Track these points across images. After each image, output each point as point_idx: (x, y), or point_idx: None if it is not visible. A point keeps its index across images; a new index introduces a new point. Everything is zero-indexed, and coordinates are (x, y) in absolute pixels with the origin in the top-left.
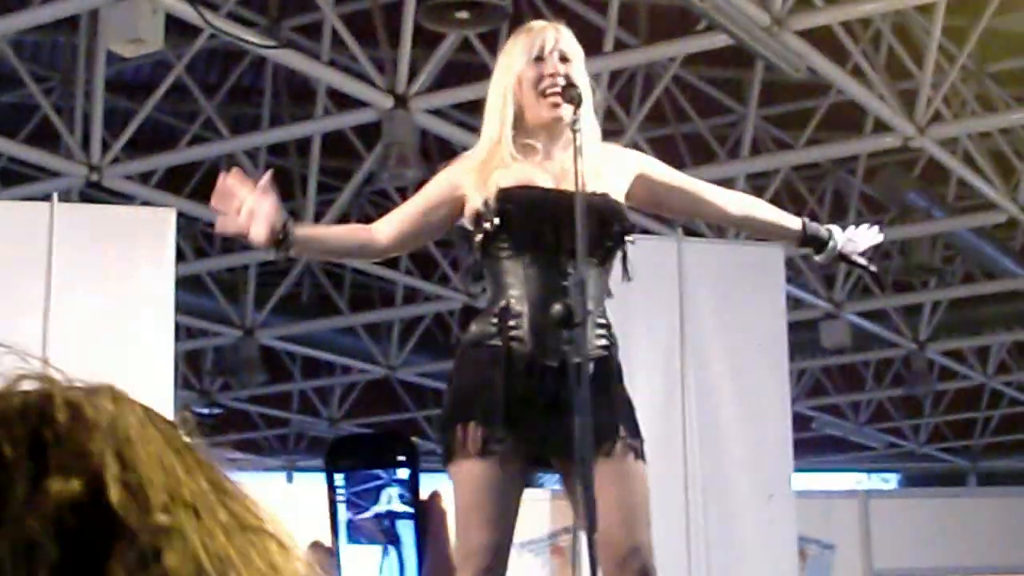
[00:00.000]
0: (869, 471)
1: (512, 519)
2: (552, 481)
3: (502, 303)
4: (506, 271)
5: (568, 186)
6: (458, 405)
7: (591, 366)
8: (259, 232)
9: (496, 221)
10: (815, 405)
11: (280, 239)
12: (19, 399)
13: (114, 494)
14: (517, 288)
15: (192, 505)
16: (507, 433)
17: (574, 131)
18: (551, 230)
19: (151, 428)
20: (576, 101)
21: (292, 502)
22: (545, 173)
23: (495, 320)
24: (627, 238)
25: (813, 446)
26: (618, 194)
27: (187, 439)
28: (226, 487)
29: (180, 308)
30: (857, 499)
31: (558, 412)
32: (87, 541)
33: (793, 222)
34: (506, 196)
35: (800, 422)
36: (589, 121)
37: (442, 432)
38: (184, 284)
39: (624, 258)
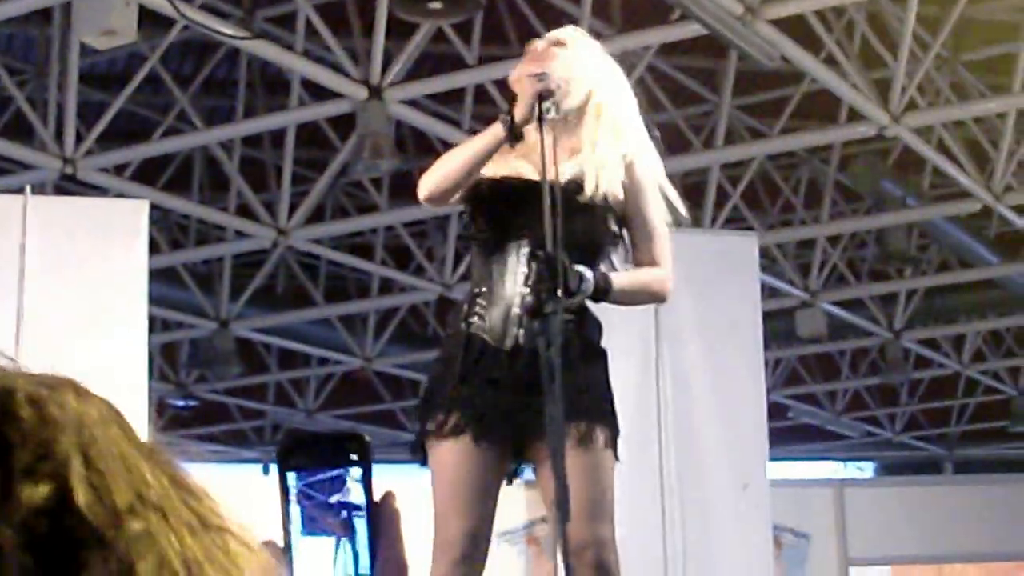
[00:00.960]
0: (845, 460)
1: (489, 507)
2: (527, 472)
3: (472, 291)
4: (478, 260)
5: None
6: (429, 393)
7: (567, 352)
8: None
9: (466, 214)
10: (791, 394)
11: None
12: None
13: (81, 496)
14: (485, 276)
15: (159, 507)
16: (476, 419)
17: (540, 122)
18: (518, 220)
19: (113, 426)
20: (547, 95)
21: (268, 493)
22: (531, 164)
23: (464, 308)
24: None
25: (789, 435)
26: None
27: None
28: (187, 484)
29: (155, 300)
30: (832, 488)
31: (524, 395)
32: (58, 548)
33: None
34: (475, 188)
35: (776, 411)
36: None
37: (418, 421)
38: (159, 276)
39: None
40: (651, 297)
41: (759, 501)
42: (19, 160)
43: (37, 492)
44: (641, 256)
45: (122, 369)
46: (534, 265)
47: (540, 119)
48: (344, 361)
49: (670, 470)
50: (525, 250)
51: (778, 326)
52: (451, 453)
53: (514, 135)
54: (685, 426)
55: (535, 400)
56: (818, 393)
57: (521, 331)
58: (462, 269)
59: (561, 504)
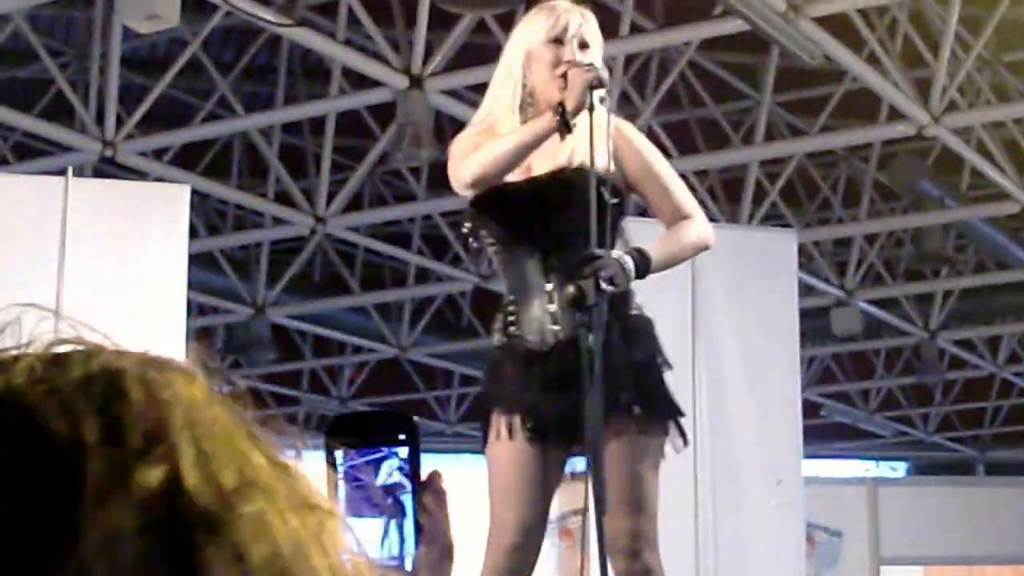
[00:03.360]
0: (877, 459)
1: (544, 500)
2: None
3: (507, 298)
4: (505, 262)
5: (571, 164)
6: (485, 396)
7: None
8: None
9: (483, 212)
10: (825, 392)
11: None
12: (79, 369)
13: (191, 479)
14: (516, 279)
15: (264, 488)
16: (531, 420)
17: (592, 112)
18: (532, 222)
19: (217, 407)
20: (598, 84)
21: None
22: (546, 154)
23: (500, 317)
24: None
25: (822, 433)
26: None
27: (248, 415)
28: (286, 465)
29: (192, 285)
30: (866, 487)
31: (568, 392)
32: (174, 532)
33: None
34: (560, 175)
35: (809, 409)
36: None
37: (479, 419)
38: (196, 261)
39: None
40: (694, 250)
41: (792, 498)
42: (60, 142)
43: (152, 475)
44: (665, 211)
45: (160, 353)
46: (575, 259)
47: (591, 109)
48: (379, 349)
49: (704, 465)
50: (551, 245)
51: (813, 324)
52: (507, 451)
53: (568, 127)
54: (720, 422)
55: (577, 396)
56: (851, 392)
57: (558, 327)
58: None
59: (598, 497)
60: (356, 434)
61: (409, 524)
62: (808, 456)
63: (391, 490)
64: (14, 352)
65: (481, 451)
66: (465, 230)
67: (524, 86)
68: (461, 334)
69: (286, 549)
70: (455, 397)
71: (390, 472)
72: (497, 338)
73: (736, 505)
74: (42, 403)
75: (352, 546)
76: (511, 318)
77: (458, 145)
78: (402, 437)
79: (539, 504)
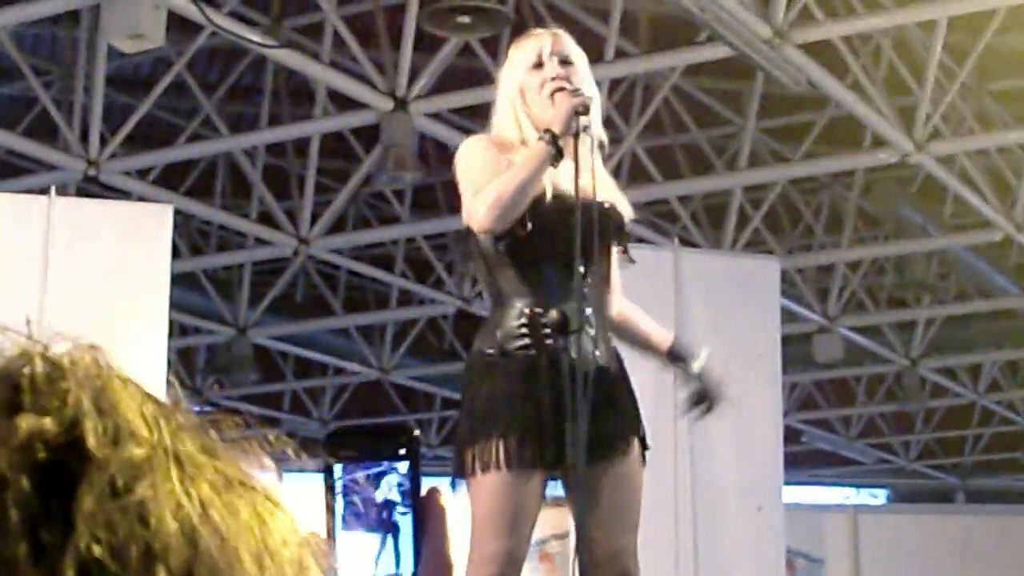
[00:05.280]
0: (858, 486)
1: (530, 530)
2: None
3: (525, 310)
4: (525, 277)
5: (575, 196)
6: (487, 417)
7: (604, 369)
8: None
9: (529, 227)
10: (806, 419)
11: None
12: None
13: (91, 438)
14: (538, 295)
15: (174, 453)
16: (535, 445)
17: (577, 138)
18: (568, 239)
19: (132, 385)
20: (583, 110)
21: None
22: (554, 180)
23: (524, 328)
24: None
25: (803, 460)
26: (621, 205)
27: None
28: (215, 450)
29: (174, 305)
30: (847, 514)
31: (581, 419)
32: (58, 476)
33: (664, 339)
34: (537, 203)
35: (790, 435)
36: (595, 127)
37: (465, 444)
38: (178, 281)
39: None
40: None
41: (773, 524)
42: (43, 161)
43: (39, 423)
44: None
45: (141, 372)
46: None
47: (576, 135)
48: (361, 371)
49: (685, 491)
50: (571, 270)
51: (795, 351)
52: (502, 479)
53: (559, 152)
54: (701, 447)
55: (591, 423)
56: (833, 418)
57: (599, 352)
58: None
59: (580, 521)
60: (355, 447)
61: (407, 541)
62: (789, 482)
63: (390, 506)
64: None
65: (458, 475)
66: (519, 231)
67: (526, 118)
68: (443, 357)
69: (185, 502)
70: (436, 420)
71: (389, 488)
72: (519, 347)
73: (717, 531)
74: None
75: (301, 535)
76: (547, 331)
77: (469, 156)
78: (402, 452)
79: (527, 536)
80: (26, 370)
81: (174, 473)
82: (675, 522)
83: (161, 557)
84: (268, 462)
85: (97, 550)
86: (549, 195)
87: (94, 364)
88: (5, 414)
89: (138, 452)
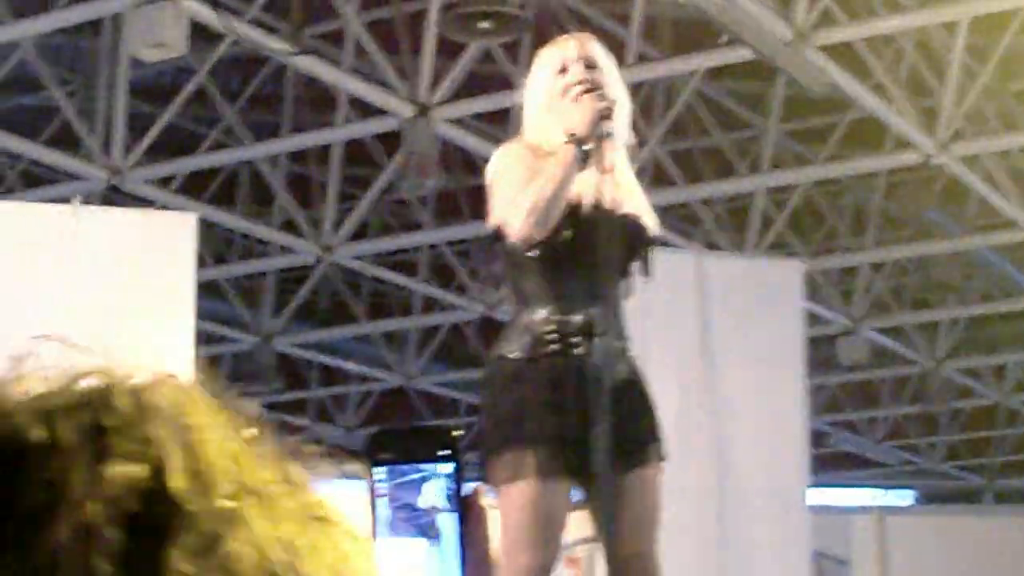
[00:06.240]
0: (884, 488)
1: (560, 539)
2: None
3: (551, 315)
4: (552, 282)
5: (604, 201)
6: (515, 425)
7: (626, 376)
8: None
9: (568, 234)
10: (831, 421)
11: None
12: (79, 391)
13: (176, 481)
14: (563, 301)
15: (258, 492)
16: (563, 453)
17: (602, 143)
18: (594, 247)
19: (217, 416)
20: (607, 114)
21: None
22: (584, 186)
23: (551, 334)
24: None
25: (828, 462)
26: (646, 216)
27: (255, 432)
28: (295, 480)
29: (198, 313)
30: (873, 516)
31: (605, 426)
32: (148, 526)
33: None
34: (575, 211)
35: (816, 438)
36: (622, 132)
37: (493, 453)
38: (202, 290)
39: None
40: None
41: (799, 527)
42: (66, 170)
43: (129, 471)
44: None
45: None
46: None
47: (601, 139)
48: (385, 378)
49: (711, 494)
50: (599, 278)
51: (820, 353)
52: (533, 489)
53: (585, 155)
54: (727, 450)
55: (616, 430)
56: (858, 420)
57: (616, 362)
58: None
59: (607, 526)
60: (397, 450)
61: (452, 544)
62: (814, 485)
63: (433, 510)
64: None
65: (487, 483)
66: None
67: (553, 124)
68: (467, 363)
69: (270, 550)
70: (461, 426)
71: (432, 491)
72: (547, 353)
73: (743, 534)
74: (25, 416)
75: (376, 569)
76: (576, 338)
77: (503, 163)
78: (444, 452)
79: (557, 543)
80: (110, 407)
81: (259, 519)
82: (701, 526)
83: None
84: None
85: None
86: (583, 202)
87: (177, 398)
88: (92, 459)
89: (226, 503)
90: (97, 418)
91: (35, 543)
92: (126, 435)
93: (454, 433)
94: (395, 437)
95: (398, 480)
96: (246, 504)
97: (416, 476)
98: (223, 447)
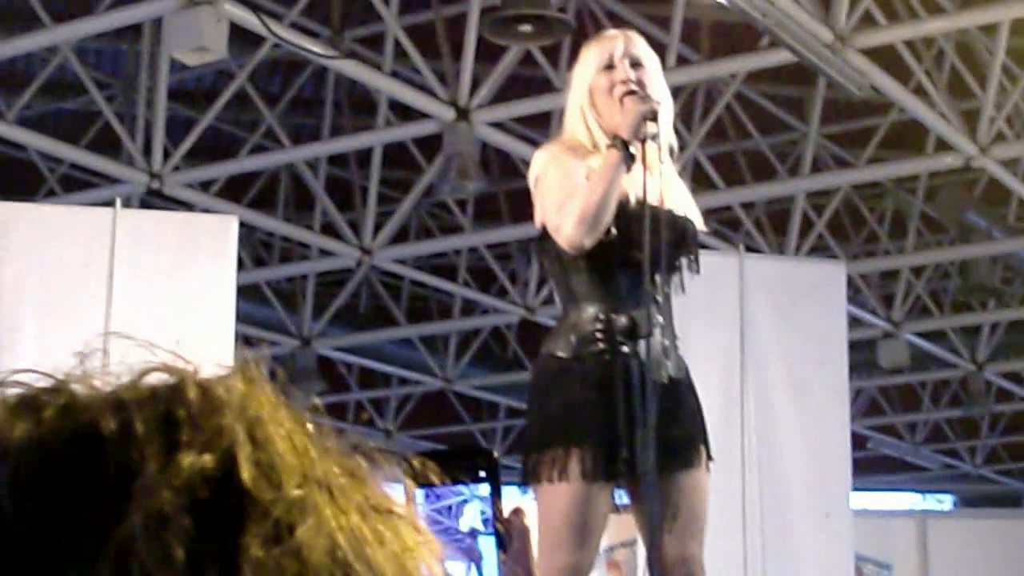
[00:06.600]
0: (924, 492)
1: (598, 540)
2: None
3: (599, 314)
4: (600, 281)
5: (649, 200)
6: (560, 426)
7: (674, 375)
8: None
9: (615, 233)
10: (871, 424)
11: None
12: (150, 384)
13: (246, 472)
14: (611, 300)
15: (325, 484)
16: (608, 455)
17: (645, 145)
18: (642, 246)
19: (282, 410)
20: (651, 116)
21: None
22: (632, 186)
23: (599, 333)
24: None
25: (868, 466)
26: (691, 213)
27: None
28: (359, 473)
29: (237, 317)
30: (915, 519)
31: (651, 427)
32: (220, 515)
33: None
34: (622, 209)
35: (856, 441)
36: (665, 132)
37: (536, 452)
38: (242, 293)
39: (679, 274)
40: None
41: (841, 531)
42: (106, 174)
43: (200, 460)
44: None
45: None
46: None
47: (645, 141)
48: (424, 381)
49: (752, 498)
50: (645, 277)
51: (860, 356)
52: (575, 490)
53: (631, 157)
54: (768, 454)
55: (661, 431)
56: (898, 424)
57: (670, 363)
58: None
59: (652, 529)
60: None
61: (490, 565)
62: (855, 489)
63: (472, 534)
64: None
65: (529, 481)
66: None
67: (596, 121)
68: (507, 366)
69: (342, 542)
70: (500, 429)
71: (472, 513)
72: (594, 352)
73: (785, 538)
74: (99, 407)
75: (436, 559)
76: (622, 337)
77: (546, 165)
78: (482, 473)
79: (595, 546)
80: (180, 399)
81: (328, 508)
82: (744, 529)
83: None
84: (400, 475)
85: None
86: (629, 200)
87: (245, 392)
88: (164, 448)
89: (296, 493)
90: (168, 410)
91: (111, 529)
92: (197, 427)
93: (492, 454)
94: (433, 459)
95: (437, 503)
96: (314, 493)
97: (455, 499)
98: (290, 440)
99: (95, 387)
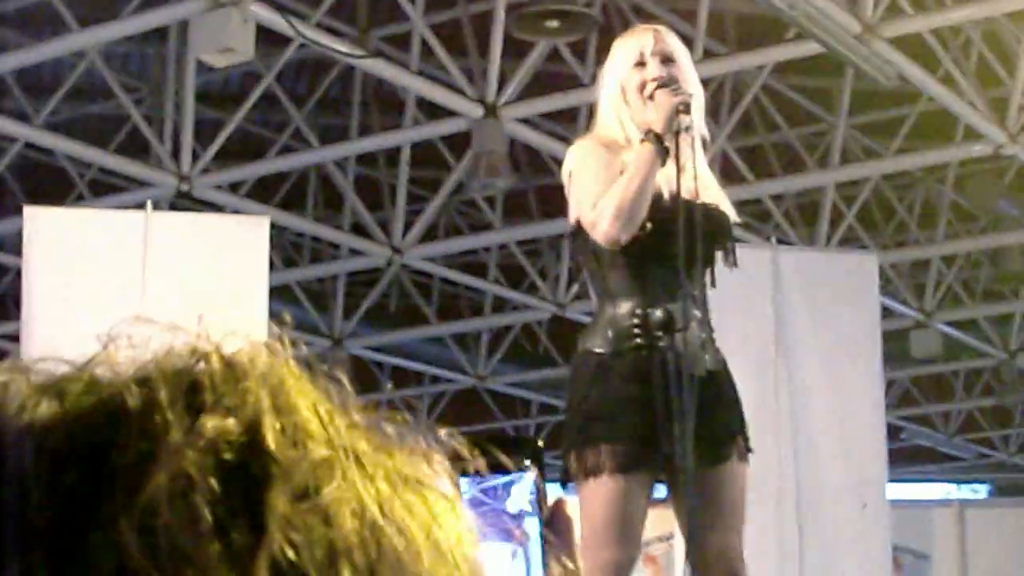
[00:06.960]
0: (959, 481)
1: (640, 535)
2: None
3: (636, 309)
4: (636, 276)
5: (682, 194)
6: (600, 421)
7: (711, 368)
8: None
9: (649, 227)
10: (904, 415)
11: None
12: (174, 357)
13: (270, 435)
14: (647, 295)
15: (352, 451)
16: (647, 449)
17: (678, 138)
18: (681, 238)
19: (307, 382)
20: (684, 109)
21: None
22: (667, 180)
23: (636, 328)
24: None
25: (902, 456)
26: (724, 205)
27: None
28: (387, 445)
29: (269, 317)
30: (953, 509)
31: (689, 421)
32: (245, 477)
33: None
34: (656, 203)
35: (889, 432)
36: (698, 123)
37: (577, 447)
38: (273, 293)
39: (713, 267)
40: None
41: (879, 521)
42: (136, 178)
43: (224, 424)
44: None
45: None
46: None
47: (678, 133)
48: (456, 379)
49: (789, 489)
50: (680, 271)
51: (892, 347)
52: (615, 486)
53: (666, 150)
54: (804, 445)
55: (701, 426)
56: (931, 414)
57: (708, 356)
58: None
59: (691, 523)
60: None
61: (536, 550)
62: (889, 479)
63: (518, 517)
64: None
65: (570, 477)
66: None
67: (628, 116)
68: (539, 363)
69: (372, 508)
70: (533, 426)
71: (517, 498)
72: (632, 347)
73: (823, 529)
74: (123, 382)
75: (469, 531)
76: (660, 332)
77: (580, 161)
78: (527, 462)
79: (638, 539)
80: (205, 368)
81: (355, 472)
82: (781, 521)
83: (346, 556)
84: (438, 458)
85: (290, 552)
86: (663, 194)
87: (270, 362)
88: (188, 414)
89: (322, 453)
90: (192, 377)
91: (136, 490)
92: (221, 392)
93: (538, 443)
94: (478, 447)
95: (483, 486)
96: (342, 460)
97: (502, 483)
98: (315, 408)
99: (119, 369)
